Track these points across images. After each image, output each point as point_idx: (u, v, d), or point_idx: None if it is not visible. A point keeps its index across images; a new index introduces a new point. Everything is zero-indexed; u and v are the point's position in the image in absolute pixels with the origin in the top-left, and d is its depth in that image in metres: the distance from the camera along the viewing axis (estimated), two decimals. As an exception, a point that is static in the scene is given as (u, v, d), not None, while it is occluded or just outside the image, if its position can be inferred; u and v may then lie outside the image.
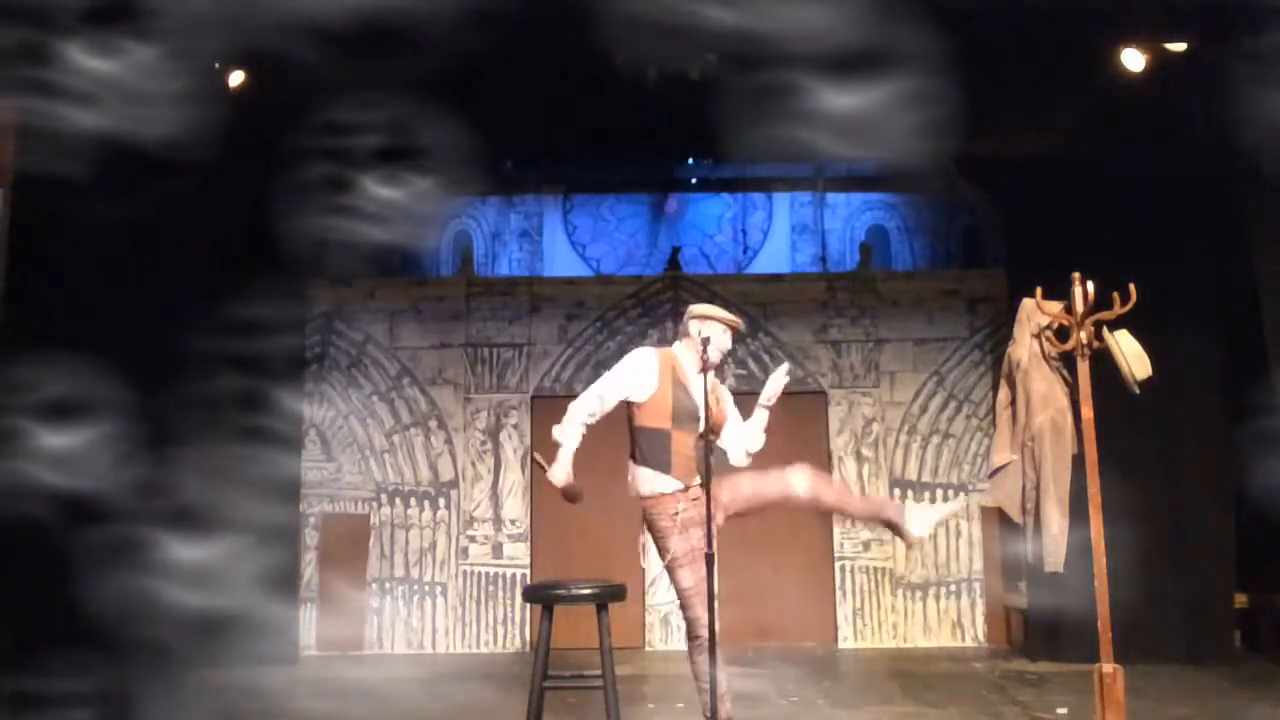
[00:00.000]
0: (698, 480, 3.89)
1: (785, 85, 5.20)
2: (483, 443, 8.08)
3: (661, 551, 3.94)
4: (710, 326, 4.04)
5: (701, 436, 3.89)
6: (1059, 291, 4.72)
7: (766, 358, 8.16)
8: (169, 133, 4.96)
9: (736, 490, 3.99)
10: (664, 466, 3.93)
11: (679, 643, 7.81)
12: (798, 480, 4.00)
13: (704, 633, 3.75)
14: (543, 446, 7.90)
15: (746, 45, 5.12)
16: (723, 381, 4.17)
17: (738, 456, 4.17)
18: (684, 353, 4.08)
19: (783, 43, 4.95)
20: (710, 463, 3.75)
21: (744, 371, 8.15)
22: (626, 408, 4.00)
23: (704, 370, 3.90)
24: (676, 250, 8.82)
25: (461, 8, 4.60)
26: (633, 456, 4.02)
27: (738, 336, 4.31)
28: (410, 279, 8.63)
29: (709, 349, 3.93)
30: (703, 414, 3.89)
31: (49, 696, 4.59)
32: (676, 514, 3.90)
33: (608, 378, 4.02)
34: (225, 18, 4.99)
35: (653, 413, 3.97)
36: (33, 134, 4.70)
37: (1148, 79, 5.75)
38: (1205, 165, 6.05)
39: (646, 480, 3.95)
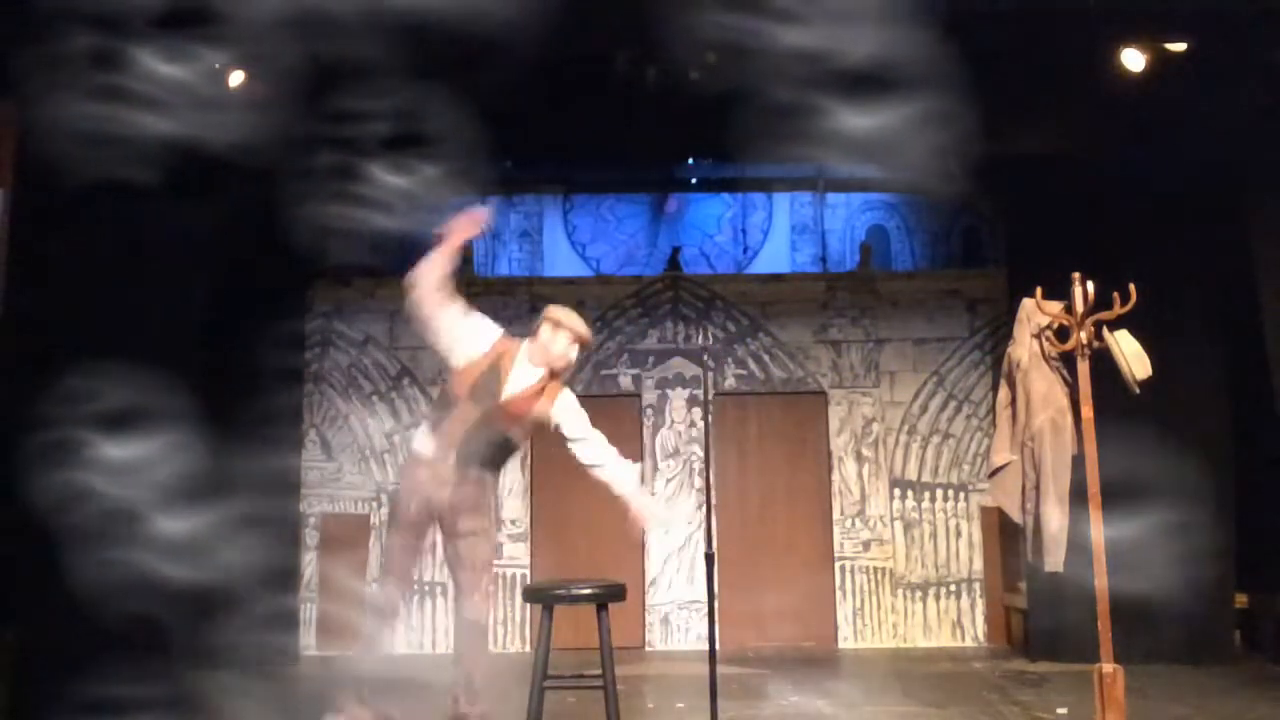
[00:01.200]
0: (453, 459, 3.90)
1: (795, 91, 5.20)
2: (483, 443, 8.07)
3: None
4: (560, 335, 4.01)
5: (483, 421, 3.88)
6: (1059, 291, 4.72)
7: (766, 358, 8.17)
8: (182, 132, 4.98)
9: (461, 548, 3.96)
10: (437, 427, 3.96)
11: (679, 643, 7.83)
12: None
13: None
14: (543, 444, 7.93)
15: (749, 50, 5.12)
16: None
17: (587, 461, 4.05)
18: (530, 348, 4.05)
19: (789, 48, 4.95)
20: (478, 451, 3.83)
21: (744, 371, 8.15)
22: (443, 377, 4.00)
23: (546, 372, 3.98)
24: (676, 250, 8.82)
25: (464, 7, 4.60)
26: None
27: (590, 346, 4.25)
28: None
29: (555, 354, 3.97)
30: (500, 397, 3.89)
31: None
32: (417, 480, 3.93)
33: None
34: (227, 15, 5.00)
35: (458, 381, 3.98)
36: (36, 134, 4.71)
37: (1148, 79, 5.75)
38: (1205, 165, 6.05)
39: (416, 437, 4.07)
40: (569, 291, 8.31)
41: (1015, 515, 4.93)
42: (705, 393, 3.88)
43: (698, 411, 8.04)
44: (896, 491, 7.98)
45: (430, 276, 3.91)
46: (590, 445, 4.03)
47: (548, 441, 8.36)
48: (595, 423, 4.06)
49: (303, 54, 5.05)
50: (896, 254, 9.29)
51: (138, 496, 5.13)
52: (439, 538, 4.07)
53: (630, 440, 7.75)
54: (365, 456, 8.07)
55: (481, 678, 3.97)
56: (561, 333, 4.02)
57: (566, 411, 4.03)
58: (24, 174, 4.65)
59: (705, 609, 4.26)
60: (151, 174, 5.04)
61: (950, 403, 8.08)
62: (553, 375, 4.03)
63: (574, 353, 4.06)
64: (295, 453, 7.71)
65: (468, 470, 3.95)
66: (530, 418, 4.02)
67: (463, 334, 4.01)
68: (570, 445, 4.05)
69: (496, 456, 4.06)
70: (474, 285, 8.40)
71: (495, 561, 7.90)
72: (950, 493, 7.97)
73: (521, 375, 3.99)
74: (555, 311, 4.09)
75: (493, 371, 3.96)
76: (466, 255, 8.93)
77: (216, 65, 5.61)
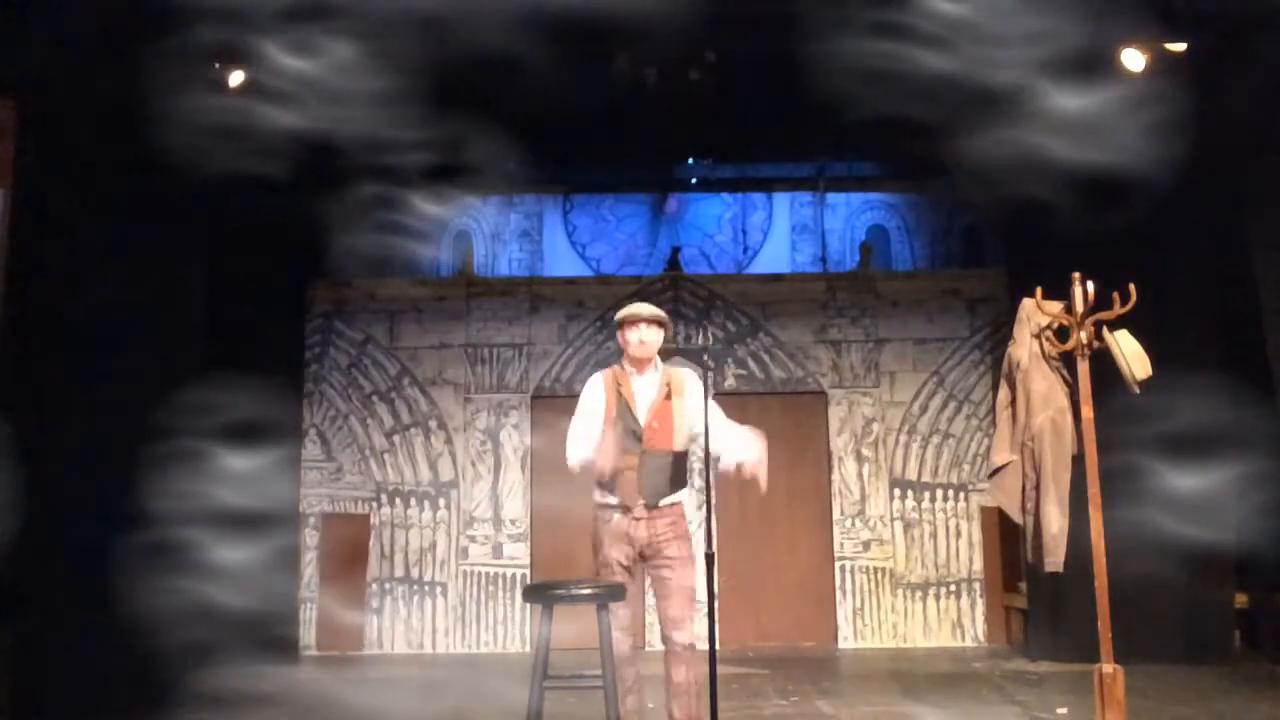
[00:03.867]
0: (643, 502, 3.93)
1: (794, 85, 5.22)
2: (483, 443, 8.08)
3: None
4: (630, 333, 4.05)
5: (644, 455, 3.91)
6: (1059, 291, 4.72)
7: (766, 358, 8.17)
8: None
9: (663, 594, 3.96)
10: (609, 489, 4.01)
11: (679, 643, 7.83)
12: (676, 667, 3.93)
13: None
14: (543, 444, 7.93)
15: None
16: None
17: (725, 462, 4.01)
18: (627, 363, 4.11)
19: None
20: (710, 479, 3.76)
21: (744, 371, 8.15)
22: None
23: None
24: (676, 250, 8.83)
25: (467, 7, 4.60)
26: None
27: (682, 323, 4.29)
28: (410, 279, 8.63)
29: (632, 349, 4.01)
30: (641, 427, 3.93)
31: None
32: (609, 522, 3.99)
33: (578, 417, 4.04)
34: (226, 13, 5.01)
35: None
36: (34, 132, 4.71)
37: (1147, 79, 5.74)
38: (1205, 165, 6.04)
39: (595, 493, 4.07)
40: (569, 291, 8.32)
41: (1015, 515, 4.93)
42: (705, 393, 3.87)
43: (698, 411, 8.04)
44: (896, 491, 7.98)
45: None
46: (726, 449, 3.97)
47: (549, 441, 8.37)
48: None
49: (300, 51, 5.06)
50: (896, 254, 9.29)
51: (137, 495, 5.13)
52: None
53: (630, 440, 7.75)
54: (365, 456, 8.07)
55: (701, 705, 3.95)
56: (625, 330, 4.07)
57: (697, 409, 3.96)
58: (24, 174, 4.65)
59: (705, 609, 4.27)
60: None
61: (950, 403, 8.08)
62: (637, 364, 4.04)
63: (649, 335, 4.04)
64: (295, 453, 7.70)
65: (659, 504, 3.97)
66: (678, 422, 4.00)
67: (593, 420, 4.01)
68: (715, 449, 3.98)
69: (675, 478, 4.02)
70: (474, 285, 8.41)
71: (496, 561, 7.91)
72: (950, 493, 7.97)
73: (642, 391, 4.02)
74: (617, 316, 4.15)
75: (623, 409, 3.98)
76: (467, 256, 8.94)
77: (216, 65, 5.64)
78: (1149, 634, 6.33)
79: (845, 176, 9.20)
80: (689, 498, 4.12)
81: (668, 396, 4.02)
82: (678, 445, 4.01)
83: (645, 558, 4.02)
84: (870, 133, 7.08)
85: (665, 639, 3.97)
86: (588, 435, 3.96)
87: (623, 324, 4.11)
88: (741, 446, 3.94)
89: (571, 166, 8.98)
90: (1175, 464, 6.06)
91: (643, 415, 3.98)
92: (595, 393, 4.07)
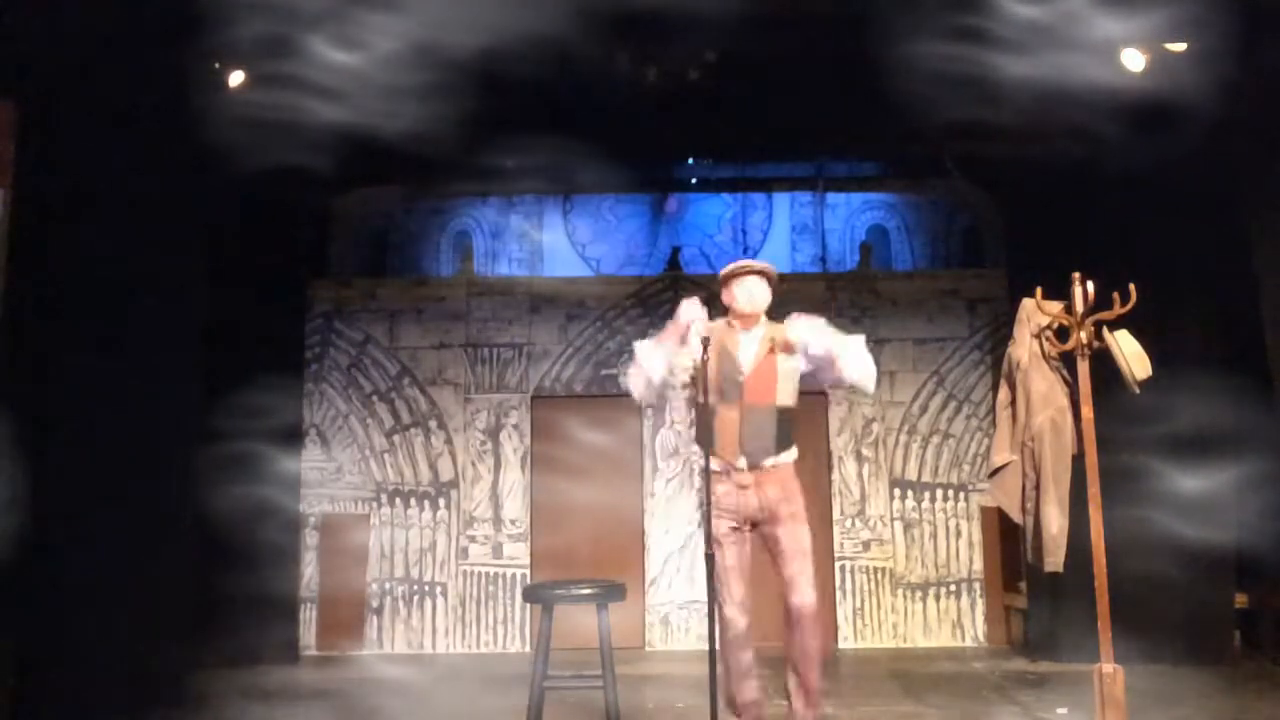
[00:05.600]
0: (743, 462, 3.83)
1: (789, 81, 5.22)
2: (483, 443, 8.08)
3: None
4: (736, 288, 3.99)
5: (747, 410, 3.82)
6: (1059, 291, 4.72)
7: (766, 358, 8.17)
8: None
9: (775, 553, 3.90)
10: (707, 444, 3.87)
11: (679, 643, 7.83)
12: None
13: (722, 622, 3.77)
14: (543, 443, 7.91)
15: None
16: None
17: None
18: (732, 317, 4.05)
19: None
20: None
21: (744, 371, 8.15)
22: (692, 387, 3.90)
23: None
24: (676, 250, 8.82)
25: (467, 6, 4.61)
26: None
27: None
28: (410, 279, 8.64)
29: (741, 304, 3.92)
30: (742, 378, 3.85)
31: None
32: (716, 493, 3.84)
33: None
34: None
35: (704, 391, 3.89)
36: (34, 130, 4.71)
37: (1147, 79, 5.74)
38: (1205, 165, 6.04)
39: (703, 459, 3.90)
40: (569, 291, 8.32)
41: (1015, 515, 4.93)
42: (704, 392, 3.87)
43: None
44: (896, 491, 7.98)
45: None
46: (848, 359, 3.94)
47: (549, 440, 8.34)
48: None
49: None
50: (896, 254, 9.28)
51: (137, 494, 5.13)
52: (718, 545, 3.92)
53: (630, 440, 7.75)
54: (365, 456, 8.07)
55: (820, 677, 3.87)
56: (732, 285, 4.00)
57: (809, 335, 3.93)
58: (24, 174, 4.65)
59: (705, 609, 4.28)
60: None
61: (950, 403, 8.08)
62: (744, 320, 3.95)
63: (758, 288, 3.99)
64: (295, 453, 7.70)
65: (763, 464, 3.92)
66: (783, 376, 3.95)
67: (682, 374, 3.93)
68: (835, 368, 3.96)
69: (781, 437, 3.97)
70: (474, 285, 8.41)
71: (496, 561, 7.91)
72: (950, 493, 7.97)
73: (747, 344, 3.95)
74: (723, 272, 4.08)
75: (725, 358, 3.88)
76: (467, 256, 8.94)
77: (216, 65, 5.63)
78: (1149, 634, 6.32)
79: (845, 176, 9.19)
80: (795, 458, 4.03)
81: (771, 350, 3.96)
82: (781, 400, 3.95)
83: (756, 524, 3.91)
84: (870, 132, 7.09)
85: (784, 604, 3.83)
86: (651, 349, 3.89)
87: (729, 279, 4.03)
88: (854, 363, 3.92)
89: (571, 166, 8.97)
90: (1176, 464, 6.07)
91: (747, 367, 3.91)
92: (694, 334, 3.94)
